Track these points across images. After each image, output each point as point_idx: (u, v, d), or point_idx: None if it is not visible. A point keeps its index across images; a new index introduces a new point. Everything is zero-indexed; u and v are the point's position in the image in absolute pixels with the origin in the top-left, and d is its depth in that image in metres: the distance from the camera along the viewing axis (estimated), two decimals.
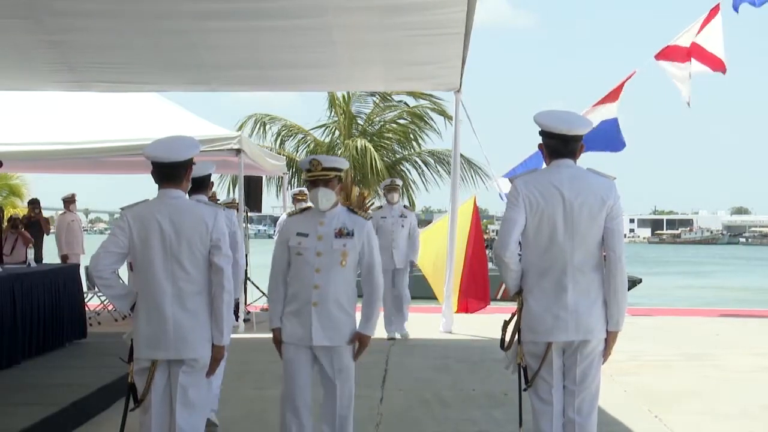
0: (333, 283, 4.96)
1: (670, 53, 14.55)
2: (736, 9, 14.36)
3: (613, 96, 14.83)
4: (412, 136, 22.85)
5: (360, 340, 5.08)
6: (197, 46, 9.76)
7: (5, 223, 12.95)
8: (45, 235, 15.06)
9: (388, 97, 22.69)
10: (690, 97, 14.39)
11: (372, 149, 21.64)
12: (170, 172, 4.59)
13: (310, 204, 5.26)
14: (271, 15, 9.02)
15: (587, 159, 4.66)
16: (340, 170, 5.12)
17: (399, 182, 12.20)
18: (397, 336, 11.25)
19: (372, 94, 22.60)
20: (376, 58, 10.63)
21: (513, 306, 4.73)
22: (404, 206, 11.88)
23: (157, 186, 4.66)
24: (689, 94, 14.39)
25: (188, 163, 4.65)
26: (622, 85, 14.84)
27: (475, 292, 13.51)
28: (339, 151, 22.50)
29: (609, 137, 14.32)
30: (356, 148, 21.51)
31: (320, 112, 23.02)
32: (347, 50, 10.13)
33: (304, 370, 5.03)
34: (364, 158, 21.44)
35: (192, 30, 9.31)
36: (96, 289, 13.23)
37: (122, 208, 4.67)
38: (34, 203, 15.62)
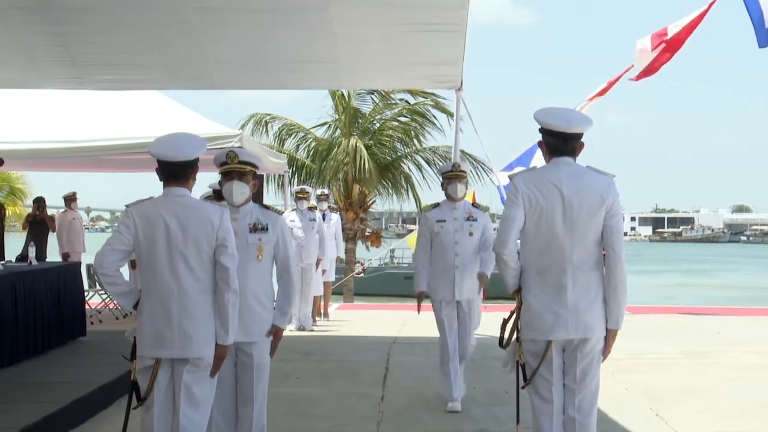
0: (250, 278, 4.93)
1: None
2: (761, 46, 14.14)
3: (606, 89, 14.86)
4: (413, 133, 22.75)
5: (275, 334, 5.14)
6: (199, 37, 9.78)
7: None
8: (52, 232, 15.10)
9: (390, 95, 22.64)
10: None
11: (363, 149, 21.35)
12: (177, 171, 4.54)
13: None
14: (273, 8, 9.04)
15: (587, 156, 4.68)
16: (255, 166, 5.13)
17: (465, 168, 7.62)
18: (458, 407, 7.27)
19: (371, 92, 22.55)
20: (378, 54, 10.62)
21: (512, 304, 4.74)
22: (473, 205, 7.75)
23: (161, 184, 4.61)
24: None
25: (195, 163, 4.59)
26: (617, 79, 14.86)
27: None
28: (339, 149, 22.47)
29: None
30: (353, 147, 21.33)
31: (321, 110, 22.92)
32: (349, 45, 10.14)
33: (226, 368, 4.89)
34: (359, 156, 21.19)
35: (193, 21, 9.33)
36: (97, 287, 13.26)
37: (127, 206, 4.64)
38: (39, 201, 15.63)
